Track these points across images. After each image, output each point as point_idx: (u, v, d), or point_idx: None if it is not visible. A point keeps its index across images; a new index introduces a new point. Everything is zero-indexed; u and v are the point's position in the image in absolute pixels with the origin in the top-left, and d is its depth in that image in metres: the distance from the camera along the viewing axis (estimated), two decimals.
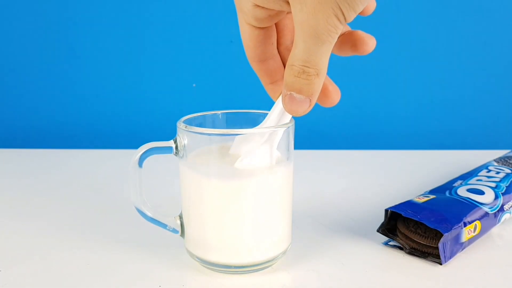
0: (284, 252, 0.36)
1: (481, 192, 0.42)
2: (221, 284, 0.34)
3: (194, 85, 0.77)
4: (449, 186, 0.45)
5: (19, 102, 0.79)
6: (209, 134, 0.33)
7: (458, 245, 0.37)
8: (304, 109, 0.30)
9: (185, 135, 0.34)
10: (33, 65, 0.78)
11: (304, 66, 0.28)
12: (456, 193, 0.42)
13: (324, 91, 0.34)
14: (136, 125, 0.79)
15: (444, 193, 0.43)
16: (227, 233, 0.33)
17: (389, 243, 0.39)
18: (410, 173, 0.59)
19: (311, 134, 0.77)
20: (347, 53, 0.33)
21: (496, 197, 0.41)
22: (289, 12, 0.29)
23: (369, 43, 0.33)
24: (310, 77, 0.28)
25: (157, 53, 0.76)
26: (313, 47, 0.27)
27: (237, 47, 0.75)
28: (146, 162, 0.35)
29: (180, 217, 0.37)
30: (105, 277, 0.35)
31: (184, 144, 0.34)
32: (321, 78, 0.29)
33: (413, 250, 0.37)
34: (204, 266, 0.36)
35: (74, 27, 0.76)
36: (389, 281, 0.34)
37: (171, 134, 0.35)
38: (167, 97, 0.78)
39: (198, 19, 0.75)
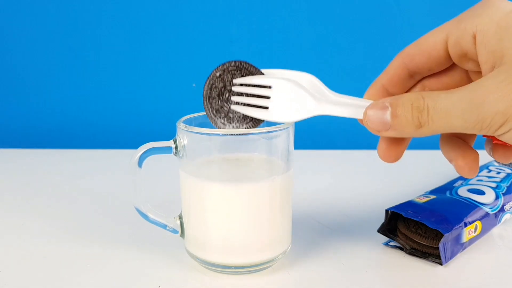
0: (284, 253, 0.36)
1: (482, 192, 0.42)
2: (221, 285, 0.34)
3: (194, 85, 0.77)
4: (449, 186, 0.45)
5: (19, 102, 0.79)
6: (209, 134, 0.33)
7: (459, 246, 0.37)
8: (376, 125, 0.28)
9: (185, 135, 0.34)
10: (33, 65, 0.78)
11: (430, 110, 0.26)
12: (456, 193, 0.42)
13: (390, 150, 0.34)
14: (136, 125, 0.79)
15: (445, 193, 0.43)
16: (227, 234, 0.33)
17: (389, 243, 0.39)
18: (410, 173, 0.59)
19: (311, 134, 0.77)
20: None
21: (497, 197, 0.41)
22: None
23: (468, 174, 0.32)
24: (417, 118, 0.27)
25: (157, 53, 0.76)
26: (466, 114, 0.25)
27: (237, 47, 0.75)
28: (146, 162, 0.35)
29: (180, 217, 0.37)
30: (105, 277, 0.35)
31: (184, 144, 0.34)
32: (418, 131, 0.27)
33: (413, 250, 0.37)
34: (204, 267, 0.36)
35: (74, 27, 0.76)
36: (389, 281, 0.34)
37: (171, 134, 0.35)
38: (167, 97, 0.78)
39: (198, 19, 0.75)
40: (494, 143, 0.31)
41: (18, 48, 0.77)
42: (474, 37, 0.27)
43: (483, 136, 0.29)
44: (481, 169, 0.49)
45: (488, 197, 0.41)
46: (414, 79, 0.33)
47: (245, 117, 0.33)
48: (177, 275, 0.35)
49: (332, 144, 0.77)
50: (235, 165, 0.35)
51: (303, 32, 0.75)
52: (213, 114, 0.33)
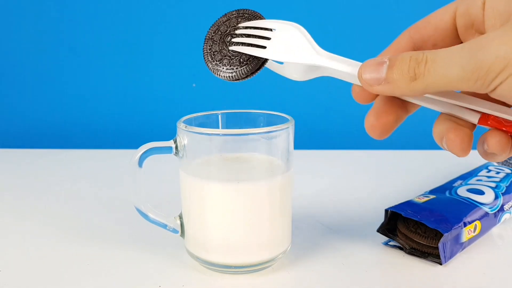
0: (284, 252, 0.36)
1: (481, 192, 0.42)
2: (221, 284, 0.34)
3: (194, 85, 0.77)
4: (449, 186, 0.45)
5: (19, 102, 0.79)
6: (209, 134, 0.33)
7: (458, 245, 0.37)
8: (370, 75, 0.27)
9: (185, 135, 0.34)
10: (33, 65, 0.78)
11: (428, 61, 0.25)
12: (456, 193, 0.42)
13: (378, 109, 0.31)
14: (136, 125, 0.79)
15: (444, 193, 0.43)
16: (227, 233, 0.33)
17: (389, 243, 0.39)
18: (410, 173, 0.59)
19: (311, 134, 0.77)
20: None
21: (496, 197, 0.41)
22: None
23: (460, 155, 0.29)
24: (413, 69, 0.25)
25: (157, 53, 0.76)
26: (464, 59, 0.24)
27: None
28: (146, 162, 0.35)
29: (180, 217, 0.37)
30: (105, 277, 0.35)
31: (184, 144, 0.34)
32: (412, 85, 0.26)
33: (413, 250, 0.37)
34: (204, 266, 0.36)
35: (74, 27, 0.76)
36: (389, 281, 0.34)
37: (171, 134, 0.35)
38: (167, 97, 0.78)
39: (198, 19, 0.75)
40: (489, 129, 0.28)
41: (18, 48, 0.77)
42: (484, 3, 0.27)
43: (479, 124, 0.28)
44: (481, 169, 0.49)
45: (488, 197, 0.41)
46: None
47: (241, 62, 0.32)
48: (177, 274, 0.35)
49: (332, 144, 0.77)
50: (235, 165, 0.35)
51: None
52: (210, 56, 0.32)
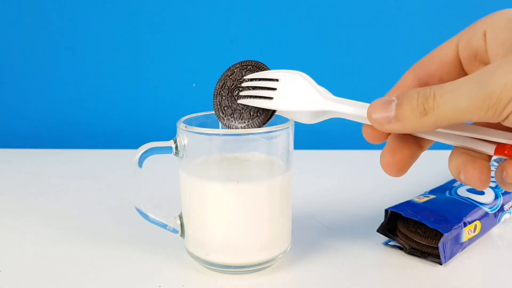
0: (284, 252, 0.36)
1: (481, 192, 0.42)
2: (221, 284, 0.34)
3: (194, 85, 0.77)
4: (449, 186, 0.45)
5: (19, 102, 0.79)
6: (209, 134, 0.33)
7: (458, 245, 0.37)
8: (380, 115, 0.27)
9: (185, 135, 0.34)
10: (33, 65, 0.78)
11: (436, 95, 0.25)
12: (456, 193, 0.42)
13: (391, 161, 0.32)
14: (136, 125, 0.79)
15: (444, 193, 0.43)
16: (227, 233, 0.33)
17: (389, 243, 0.39)
18: (410, 173, 0.59)
19: (311, 134, 0.77)
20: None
21: (496, 197, 0.41)
22: None
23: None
24: (422, 105, 0.25)
25: (157, 53, 0.76)
26: (473, 90, 0.24)
27: (237, 47, 0.75)
28: (146, 162, 0.35)
29: (180, 217, 0.37)
30: (105, 277, 0.35)
31: (184, 144, 0.34)
32: (423, 120, 0.26)
33: (413, 250, 0.37)
34: (204, 266, 0.36)
35: (74, 27, 0.76)
36: (389, 281, 0.34)
37: (171, 134, 0.35)
38: (167, 97, 0.78)
39: (198, 19, 0.75)
40: (506, 160, 0.28)
41: (18, 48, 0.77)
42: (485, 34, 0.27)
43: (495, 154, 0.28)
44: None
45: (488, 197, 0.41)
46: None
47: (252, 115, 0.33)
48: (177, 274, 0.35)
49: (332, 144, 0.77)
50: (235, 165, 0.35)
51: (303, 32, 0.75)
52: (221, 112, 0.33)
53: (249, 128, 0.33)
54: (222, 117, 0.33)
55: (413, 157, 0.32)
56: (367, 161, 0.66)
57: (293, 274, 0.35)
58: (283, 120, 0.35)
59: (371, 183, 0.56)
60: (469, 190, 0.42)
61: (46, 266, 0.37)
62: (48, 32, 0.76)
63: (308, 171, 0.60)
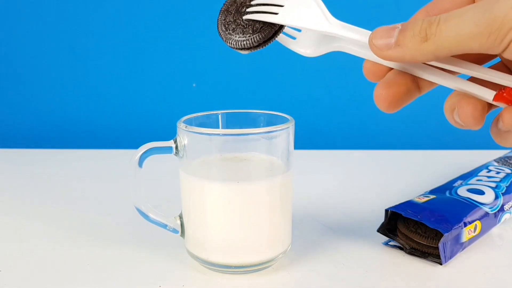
0: (284, 252, 0.36)
1: (481, 192, 0.42)
2: (221, 284, 0.34)
3: (194, 85, 0.77)
4: (449, 186, 0.45)
5: (19, 102, 0.79)
6: (209, 134, 0.33)
7: (458, 245, 0.37)
8: (381, 39, 0.26)
9: (185, 135, 0.34)
10: (33, 65, 0.78)
11: (441, 21, 0.24)
12: (456, 193, 0.42)
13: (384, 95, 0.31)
14: (136, 125, 0.79)
15: (444, 193, 0.43)
16: (227, 233, 0.33)
17: (389, 243, 0.39)
18: (410, 173, 0.59)
19: (311, 134, 0.77)
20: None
21: (496, 197, 0.41)
22: None
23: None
24: (425, 30, 0.25)
25: (157, 53, 0.76)
26: (477, 15, 0.23)
27: None
28: (146, 162, 0.35)
29: (180, 217, 0.37)
30: (105, 276, 0.35)
31: (184, 144, 0.34)
32: (423, 46, 0.25)
33: (413, 250, 0.37)
34: (204, 266, 0.36)
35: (74, 27, 0.76)
36: (389, 281, 0.34)
37: (171, 134, 0.35)
38: (167, 97, 0.78)
39: (198, 19, 0.75)
40: (504, 107, 0.27)
41: (18, 48, 0.77)
42: None
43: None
44: (481, 169, 0.49)
45: (488, 197, 0.41)
46: None
47: (253, 29, 0.31)
48: (177, 274, 0.35)
49: (332, 144, 0.77)
50: (235, 165, 0.35)
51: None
52: (223, 26, 0.32)
53: (249, 42, 0.31)
54: (224, 31, 0.32)
55: (408, 95, 0.31)
56: (367, 161, 0.66)
57: (293, 274, 0.35)
58: (283, 120, 0.35)
59: (371, 183, 0.56)
60: (469, 190, 0.42)
61: (46, 266, 0.37)
62: (48, 32, 0.76)
63: (308, 171, 0.60)
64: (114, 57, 0.76)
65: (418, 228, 0.38)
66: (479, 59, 0.29)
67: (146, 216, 0.36)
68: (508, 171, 0.47)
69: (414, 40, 0.25)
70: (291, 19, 0.31)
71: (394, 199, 0.46)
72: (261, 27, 0.31)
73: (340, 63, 0.75)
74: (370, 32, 0.28)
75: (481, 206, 0.40)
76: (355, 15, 0.74)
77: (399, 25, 0.26)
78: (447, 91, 0.30)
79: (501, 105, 0.27)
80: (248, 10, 0.32)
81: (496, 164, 0.50)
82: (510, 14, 0.22)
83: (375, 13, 0.73)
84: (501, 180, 0.45)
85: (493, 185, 0.44)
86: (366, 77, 0.31)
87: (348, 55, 0.34)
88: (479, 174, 0.47)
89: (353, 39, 0.29)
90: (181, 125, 0.34)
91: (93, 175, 0.60)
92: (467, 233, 0.37)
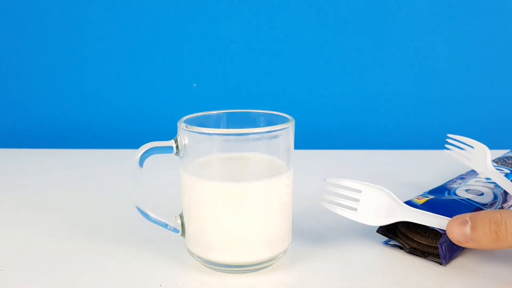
0: (284, 252, 0.36)
1: (480, 193, 0.42)
2: (221, 283, 0.34)
3: (194, 85, 0.77)
4: (448, 186, 0.45)
5: (19, 102, 0.80)
6: (209, 134, 0.33)
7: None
8: (458, 237, 0.32)
9: (185, 135, 0.34)
10: (33, 65, 0.78)
11: (508, 225, 0.29)
12: (455, 193, 0.42)
13: None
14: (137, 125, 0.79)
15: (443, 193, 0.43)
16: (227, 233, 0.34)
17: (389, 242, 0.39)
18: (410, 173, 0.59)
19: (311, 134, 0.77)
20: None
21: (495, 198, 0.41)
22: None
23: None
24: (495, 232, 0.30)
25: (157, 53, 0.76)
26: None
27: (237, 47, 0.76)
28: (147, 161, 0.35)
29: (181, 216, 0.37)
30: (106, 276, 0.35)
31: (185, 144, 0.34)
32: (496, 244, 0.30)
33: (413, 249, 0.37)
34: (204, 266, 0.36)
35: (74, 27, 0.76)
36: (389, 281, 0.34)
37: (172, 134, 0.36)
38: (167, 97, 0.78)
39: (198, 19, 0.75)
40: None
41: (18, 48, 0.77)
42: None
43: None
44: None
45: (487, 197, 0.41)
46: None
47: None
48: (178, 274, 0.35)
49: (332, 144, 0.77)
50: (235, 165, 0.35)
51: (304, 32, 0.75)
52: None
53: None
54: None
55: None
56: (367, 161, 0.66)
57: (293, 273, 0.35)
58: (284, 120, 0.36)
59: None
60: (468, 191, 0.43)
61: (46, 265, 0.37)
62: (49, 32, 0.76)
63: (308, 171, 0.60)
64: (115, 57, 0.77)
65: (419, 228, 0.38)
66: None
67: (146, 216, 0.36)
68: (507, 171, 0.47)
69: (487, 239, 0.30)
70: (370, 219, 0.36)
71: None
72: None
73: (340, 63, 0.75)
74: (444, 217, 0.34)
75: (480, 206, 0.40)
76: (356, 15, 0.74)
77: (468, 219, 0.31)
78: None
79: None
80: (325, 197, 0.37)
81: (495, 164, 0.50)
82: None
83: (375, 13, 0.73)
84: None
85: (492, 185, 0.44)
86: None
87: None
88: (477, 176, 0.47)
89: (431, 226, 0.35)
90: (181, 125, 0.34)
91: (93, 175, 0.60)
92: None
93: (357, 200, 0.36)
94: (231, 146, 0.35)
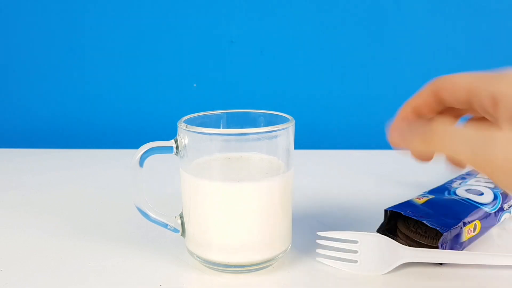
0: (284, 252, 0.36)
1: (480, 193, 0.42)
2: (221, 283, 0.34)
3: (194, 85, 0.77)
4: (448, 186, 0.45)
5: (19, 102, 0.80)
6: (209, 134, 0.33)
7: (458, 245, 0.37)
8: (394, 139, 0.32)
9: (185, 135, 0.34)
10: (33, 65, 0.78)
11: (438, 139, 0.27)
12: (455, 193, 0.42)
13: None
14: (137, 125, 0.79)
15: (443, 193, 0.43)
16: (227, 233, 0.34)
17: None
18: (409, 173, 0.59)
19: (311, 134, 0.77)
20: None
21: (495, 197, 0.41)
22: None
23: None
24: (424, 140, 0.29)
25: (157, 53, 0.76)
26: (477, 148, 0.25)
27: (237, 47, 0.76)
28: (147, 161, 0.35)
29: (181, 216, 0.37)
30: (106, 276, 0.35)
31: (185, 144, 0.34)
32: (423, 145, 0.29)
33: None
34: (204, 266, 0.36)
35: (74, 27, 0.76)
36: (389, 281, 0.34)
37: (172, 134, 0.36)
38: (167, 97, 0.78)
39: (198, 19, 0.75)
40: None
41: (18, 48, 0.77)
42: (494, 99, 0.26)
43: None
44: None
45: (487, 197, 0.41)
46: (443, 105, 0.32)
47: None
48: (178, 274, 0.35)
49: (332, 144, 0.77)
50: (235, 165, 0.35)
51: (303, 32, 0.75)
52: None
53: None
54: None
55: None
56: (367, 161, 0.66)
57: (293, 273, 0.35)
58: (283, 120, 0.36)
59: (371, 183, 0.56)
60: (468, 191, 0.43)
61: (46, 265, 0.37)
62: (48, 32, 0.76)
63: (308, 171, 0.60)
64: (115, 57, 0.77)
65: (418, 228, 0.38)
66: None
67: (146, 216, 0.36)
68: None
69: (417, 138, 0.30)
70: (372, 269, 0.35)
71: (394, 199, 0.46)
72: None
73: (340, 63, 0.75)
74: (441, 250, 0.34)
75: (480, 206, 0.40)
76: (356, 15, 0.74)
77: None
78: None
79: None
80: (320, 252, 0.36)
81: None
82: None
83: (375, 13, 0.74)
84: None
85: (492, 185, 0.44)
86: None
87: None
88: (478, 174, 0.47)
89: (425, 261, 0.35)
90: (181, 125, 0.34)
91: (93, 175, 0.60)
92: (466, 232, 0.37)
93: (356, 252, 0.35)
94: (231, 146, 0.35)
